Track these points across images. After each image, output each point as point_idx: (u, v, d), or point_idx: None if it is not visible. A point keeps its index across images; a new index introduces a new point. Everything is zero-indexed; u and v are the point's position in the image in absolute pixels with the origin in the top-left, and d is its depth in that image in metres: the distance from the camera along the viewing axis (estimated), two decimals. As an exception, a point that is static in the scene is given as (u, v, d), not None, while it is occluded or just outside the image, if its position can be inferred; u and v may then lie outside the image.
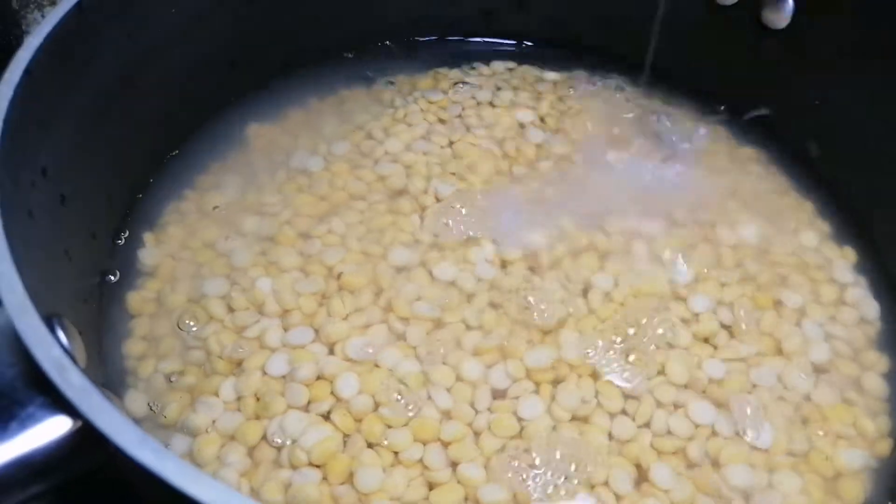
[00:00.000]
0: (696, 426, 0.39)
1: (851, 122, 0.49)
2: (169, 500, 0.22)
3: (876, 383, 0.42)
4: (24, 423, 0.23)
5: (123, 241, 0.45)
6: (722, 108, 0.56)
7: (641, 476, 0.37)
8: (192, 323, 0.41)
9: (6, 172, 0.28)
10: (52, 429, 0.23)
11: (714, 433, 0.39)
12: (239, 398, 0.38)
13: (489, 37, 0.62)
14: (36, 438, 0.23)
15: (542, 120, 0.55)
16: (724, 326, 0.44)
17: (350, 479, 0.36)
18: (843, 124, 0.50)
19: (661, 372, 0.41)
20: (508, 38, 0.62)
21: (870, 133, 0.48)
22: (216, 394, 0.38)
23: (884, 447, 0.39)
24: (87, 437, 0.23)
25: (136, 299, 0.43)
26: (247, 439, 0.37)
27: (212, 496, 0.20)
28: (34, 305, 0.24)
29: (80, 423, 0.23)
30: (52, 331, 0.24)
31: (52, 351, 0.23)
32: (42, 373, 0.23)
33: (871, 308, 0.45)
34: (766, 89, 0.53)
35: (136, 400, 0.39)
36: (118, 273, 0.43)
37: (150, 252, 0.45)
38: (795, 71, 0.51)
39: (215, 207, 0.47)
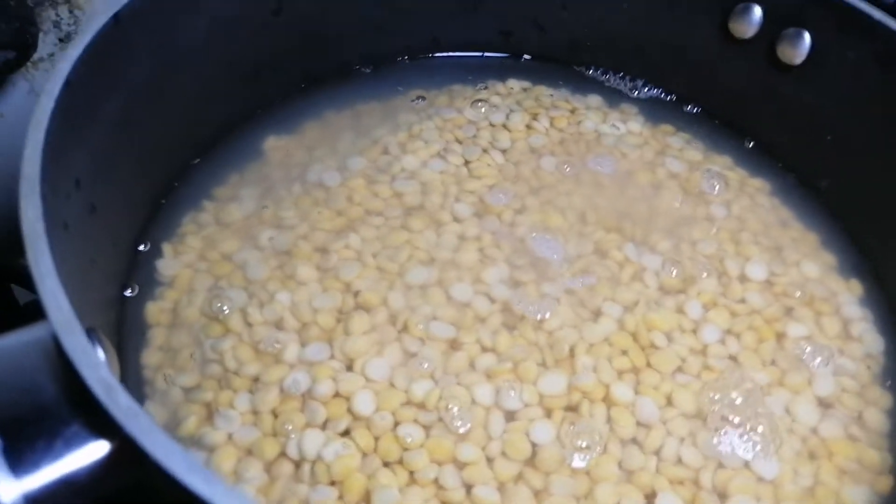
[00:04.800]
0: (706, 456, 0.40)
1: (862, 158, 0.50)
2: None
3: (878, 419, 0.43)
4: (70, 443, 0.23)
5: (144, 250, 0.45)
6: (736, 139, 0.57)
7: (651, 504, 0.38)
8: (209, 336, 0.41)
9: (48, 185, 0.28)
10: (95, 448, 0.23)
11: (722, 465, 0.40)
12: (256, 413, 0.39)
13: (506, 53, 0.62)
14: (81, 458, 0.23)
15: (555, 145, 0.56)
16: (732, 357, 0.44)
17: (366, 497, 0.36)
18: (854, 159, 0.51)
19: (670, 402, 0.42)
20: (526, 57, 0.62)
21: (879, 168, 0.49)
22: (233, 408, 0.39)
23: (885, 484, 0.40)
24: (128, 456, 0.23)
25: (153, 310, 0.43)
26: (264, 455, 0.37)
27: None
28: (79, 321, 0.24)
29: (122, 443, 0.23)
30: (94, 347, 0.24)
31: (99, 371, 0.23)
32: (88, 392, 0.23)
33: (877, 343, 0.46)
34: (781, 122, 0.54)
35: (154, 411, 0.39)
36: (138, 282, 0.43)
37: (169, 263, 0.45)
38: (809, 106, 0.52)
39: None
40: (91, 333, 0.27)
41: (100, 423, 0.23)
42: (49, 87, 0.31)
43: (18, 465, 0.22)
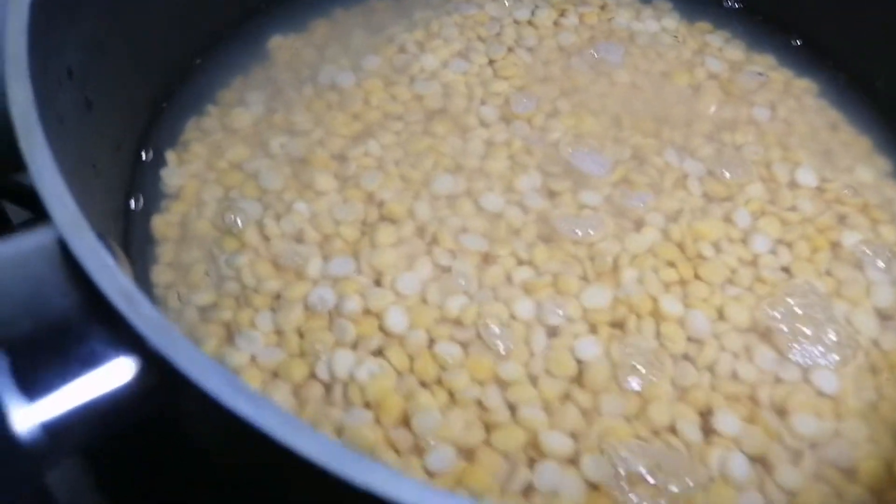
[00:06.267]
0: (762, 371, 0.37)
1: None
2: (255, 455, 0.19)
3: (943, 330, 0.40)
4: (87, 362, 0.19)
5: (147, 158, 0.41)
6: (781, 36, 0.53)
7: (706, 424, 0.35)
8: (224, 251, 0.38)
9: (37, 66, 0.24)
10: (118, 368, 0.20)
11: (780, 380, 0.37)
12: (279, 333, 0.35)
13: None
14: (102, 380, 0.20)
15: (585, 44, 0.51)
16: (784, 269, 0.41)
17: (405, 419, 0.33)
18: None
19: (722, 315, 0.39)
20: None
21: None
22: (255, 327, 0.35)
23: (953, 397, 0.38)
24: (157, 377, 0.20)
25: (160, 223, 0.39)
26: (292, 377, 0.34)
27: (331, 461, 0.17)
28: (87, 222, 0.21)
29: (148, 362, 0.20)
30: (106, 254, 0.21)
31: (117, 278, 0.19)
32: (105, 303, 0.19)
33: (938, 250, 0.43)
34: (830, 15, 0.50)
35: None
36: (143, 193, 0.40)
37: (174, 171, 0.41)
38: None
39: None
40: (102, 239, 0.23)
41: (121, 338, 0.20)
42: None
43: (31, 387, 0.19)
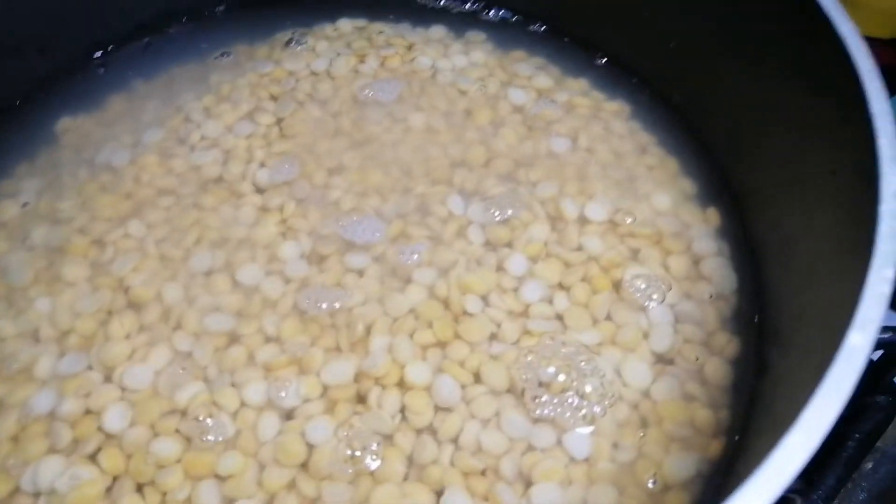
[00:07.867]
0: (512, 439, 0.35)
1: (711, 64, 0.43)
2: None
3: (721, 371, 0.37)
4: None
5: None
6: (588, 56, 0.50)
7: (438, 504, 0.33)
8: (-44, 357, 0.37)
9: None
10: None
11: (531, 447, 0.35)
12: (-7, 443, 0.35)
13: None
14: None
15: (383, 88, 0.49)
16: (558, 317, 0.39)
17: (106, 530, 0.32)
18: (702, 67, 0.44)
19: (478, 378, 0.37)
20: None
21: (728, 75, 0.42)
22: (-35, 440, 0.35)
23: (717, 448, 0.35)
24: None
25: None
26: (-4, 492, 0.33)
27: None
28: None
29: None
30: None
31: None
32: None
33: (729, 280, 0.41)
34: (624, 30, 0.47)
35: None
36: None
37: (-78, 276, 0.41)
38: (648, 6, 0.45)
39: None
40: None
41: None
42: None
43: None
